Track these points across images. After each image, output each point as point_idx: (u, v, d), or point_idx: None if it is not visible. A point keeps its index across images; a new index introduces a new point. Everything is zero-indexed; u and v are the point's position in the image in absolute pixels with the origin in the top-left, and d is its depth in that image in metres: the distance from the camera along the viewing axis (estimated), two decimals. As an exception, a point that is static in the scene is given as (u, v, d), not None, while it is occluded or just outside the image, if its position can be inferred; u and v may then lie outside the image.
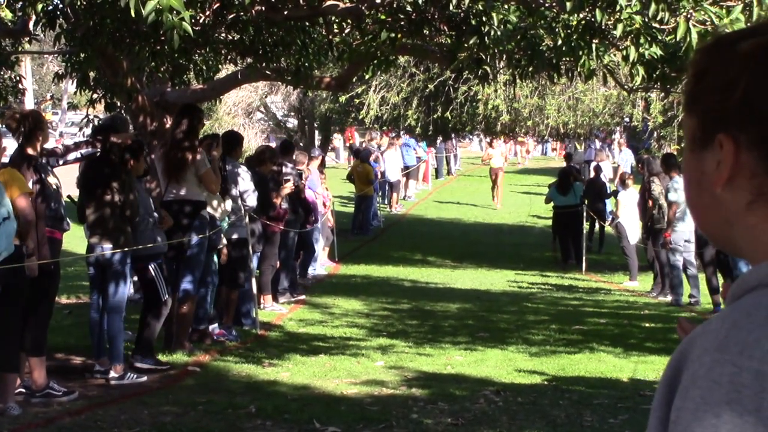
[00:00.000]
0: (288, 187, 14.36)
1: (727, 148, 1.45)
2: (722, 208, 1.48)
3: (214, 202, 11.29)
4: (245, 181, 12.29)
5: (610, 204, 24.53)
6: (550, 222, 24.82)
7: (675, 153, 17.70)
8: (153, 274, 10.19)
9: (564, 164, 25.28)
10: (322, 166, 21.08)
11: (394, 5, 10.59)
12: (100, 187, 9.67)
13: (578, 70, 10.44)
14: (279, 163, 14.42)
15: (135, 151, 10.21)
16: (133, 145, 10.24)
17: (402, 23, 10.74)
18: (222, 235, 11.59)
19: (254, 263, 13.32)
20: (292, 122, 46.29)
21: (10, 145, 9.09)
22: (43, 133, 9.06)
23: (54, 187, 9.03)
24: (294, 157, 16.52)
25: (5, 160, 8.64)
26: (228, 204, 11.83)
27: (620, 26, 9.10)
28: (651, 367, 11.00)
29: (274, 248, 14.30)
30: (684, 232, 15.81)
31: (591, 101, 25.27)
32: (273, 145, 23.51)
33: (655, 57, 9.64)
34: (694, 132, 1.51)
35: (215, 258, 11.78)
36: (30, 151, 8.92)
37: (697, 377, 1.35)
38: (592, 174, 25.97)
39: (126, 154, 10.00)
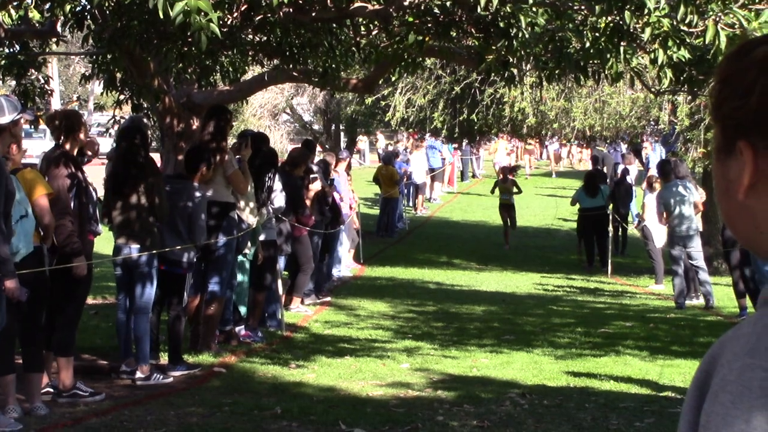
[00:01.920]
0: (314, 188, 14.38)
1: (747, 155, 1.44)
2: (750, 215, 1.46)
3: (242, 203, 11.29)
4: (273, 182, 12.28)
5: (636, 207, 24.47)
6: (575, 225, 24.78)
7: (670, 159, 17.82)
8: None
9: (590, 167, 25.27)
10: (348, 168, 21.12)
11: (422, 7, 10.58)
12: (126, 188, 9.69)
13: (605, 72, 10.41)
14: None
15: (205, 156, 10.31)
16: (203, 150, 10.36)
17: (429, 25, 10.72)
18: (248, 238, 11.58)
19: (281, 264, 13.33)
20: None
21: (31, 146, 9.12)
22: (81, 134, 9.09)
23: (86, 185, 9.04)
24: (323, 157, 16.55)
25: (32, 160, 8.68)
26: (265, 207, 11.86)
27: (648, 29, 9.06)
28: (677, 371, 10.97)
29: (308, 251, 14.31)
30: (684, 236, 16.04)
31: (618, 104, 25.15)
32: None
33: (683, 60, 9.60)
34: (718, 140, 1.50)
35: (247, 259, 11.79)
36: (67, 147, 8.96)
37: (727, 382, 1.34)
38: (618, 177, 25.93)
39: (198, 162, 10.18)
